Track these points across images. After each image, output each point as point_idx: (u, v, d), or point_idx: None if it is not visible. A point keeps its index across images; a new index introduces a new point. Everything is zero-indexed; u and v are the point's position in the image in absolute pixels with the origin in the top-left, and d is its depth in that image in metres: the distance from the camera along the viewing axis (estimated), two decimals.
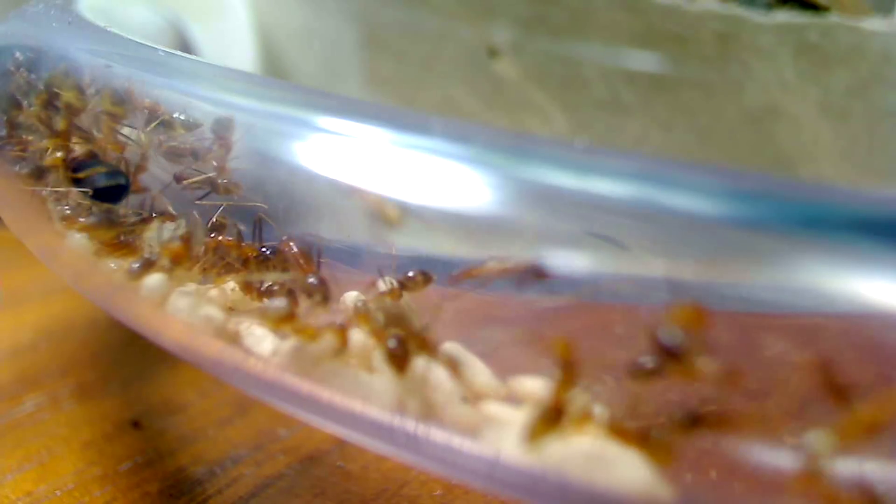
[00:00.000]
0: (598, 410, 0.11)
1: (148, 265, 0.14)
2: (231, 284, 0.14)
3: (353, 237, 0.14)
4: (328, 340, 0.13)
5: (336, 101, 0.14)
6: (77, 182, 0.15)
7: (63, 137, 0.15)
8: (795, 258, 0.10)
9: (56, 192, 0.15)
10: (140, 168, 0.15)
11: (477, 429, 0.11)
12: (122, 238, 0.14)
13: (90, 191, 0.15)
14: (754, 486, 0.11)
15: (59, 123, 0.15)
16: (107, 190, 0.15)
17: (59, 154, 0.15)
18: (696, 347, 0.11)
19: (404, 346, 0.12)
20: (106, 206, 0.14)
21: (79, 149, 0.15)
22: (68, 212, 0.14)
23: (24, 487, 0.18)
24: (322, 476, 0.19)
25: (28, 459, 0.19)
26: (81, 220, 0.14)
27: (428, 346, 0.12)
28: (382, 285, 0.14)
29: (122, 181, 0.15)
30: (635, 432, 0.11)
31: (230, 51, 0.29)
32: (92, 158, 0.15)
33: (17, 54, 0.17)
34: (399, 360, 0.12)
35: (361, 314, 0.13)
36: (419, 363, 0.12)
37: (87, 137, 0.15)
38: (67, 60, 0.16)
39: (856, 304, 0.10)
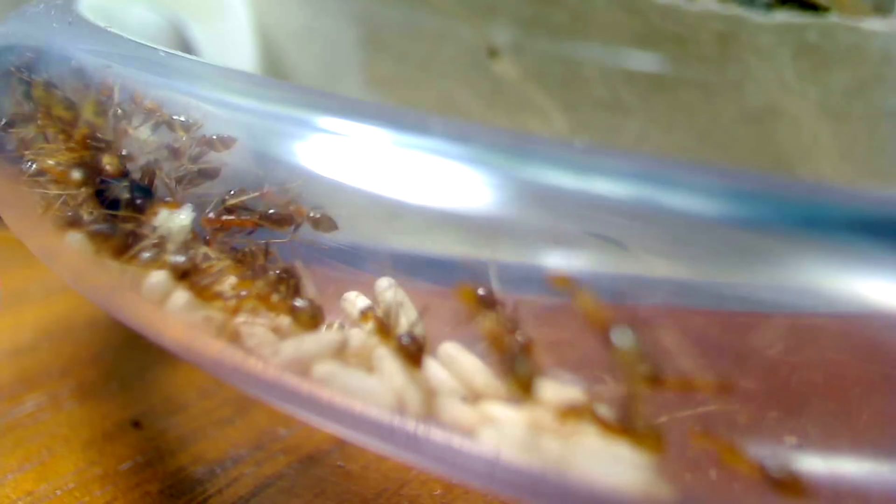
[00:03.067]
0: (603, 410, 0.11)
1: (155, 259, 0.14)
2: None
3: (352, 237, 0.14)
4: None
5: (336, 101, 0.14)
6: (99, 194, 0.15)
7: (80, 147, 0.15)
8: (795, 258, 0.10)
9: (60, 194, 0.15)
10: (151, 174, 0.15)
11: (477, 429, 0.11)
12: (130, 241, 0.14)
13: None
14: (754, 486, 0.11)
15: (76, 134, 0.15)
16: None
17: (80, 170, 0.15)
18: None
19: (418, 342, 0.12)
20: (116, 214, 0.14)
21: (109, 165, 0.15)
22: (71, 215, 0.14)
23: (25, 487, 0.18)
24: (322, 476, 0.19)
25: (29, 459, 0.19)
26: (92, 227, 0.14)
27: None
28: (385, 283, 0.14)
29: (144, 193, 0.15)
30: (622, 424, 0.11)
31: (230, 51, 0.29)
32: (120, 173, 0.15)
33: (18, 54, 0.17)
34: (413, 356, 0.12)
35: (366, 314, 0.13)
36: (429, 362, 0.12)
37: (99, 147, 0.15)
38: (68, 61, 0.16)
39: (856, 304, 0.10)
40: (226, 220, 0.14)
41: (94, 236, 0.14)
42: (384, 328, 0.13)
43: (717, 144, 0.24)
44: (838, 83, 0.23)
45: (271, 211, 0.14)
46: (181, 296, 0.13)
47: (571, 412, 0.11)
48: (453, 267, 0.13)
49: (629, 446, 0.11)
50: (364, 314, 0.13)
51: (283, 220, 0.14)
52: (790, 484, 0.10)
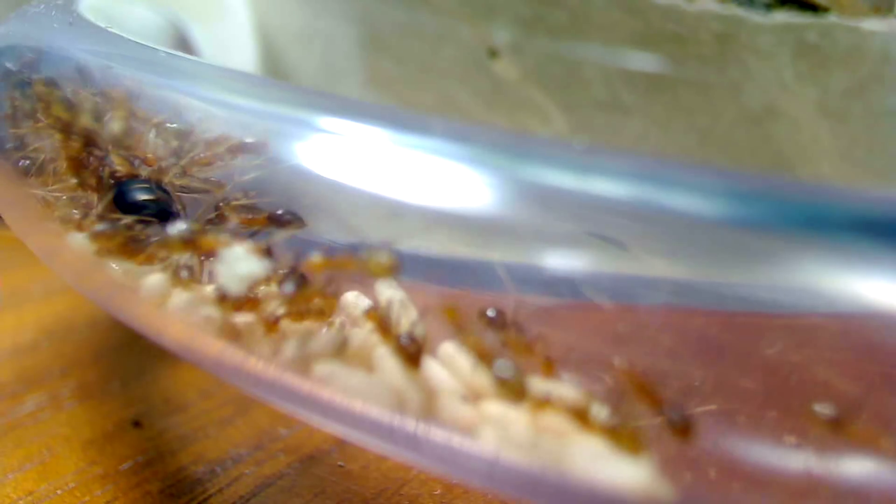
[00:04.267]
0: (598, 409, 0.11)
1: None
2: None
3: (352, 237, 0.14)
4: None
5: (336, 101, 0.14)
6: (119, 201, 0.14)
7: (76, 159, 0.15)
8: (795, 258, 0.10)
9: (62, 195, 0.15)
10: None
11: (477, 428, 0.11)
12: (132, 241, 0.14)
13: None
14: (753, 486, 0.11)
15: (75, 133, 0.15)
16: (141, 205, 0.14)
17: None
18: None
19: (417, 342, 0.12)
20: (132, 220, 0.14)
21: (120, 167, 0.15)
22: (76, 215, 0.14)
23: (26, 486, 0.18)
24: (322, 475, 0.19)
25: (29, 459, 0.19)
26: (97, 228, 0.14)
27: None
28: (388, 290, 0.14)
29: (163, 198, 0.14)
30: (601, 420, 0.11)
31: (230, 51, 0.29)
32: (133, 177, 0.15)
33: (18, 54, 0.17)
34: (413, 356, 0.12)
35: (371, 312, 0.13)
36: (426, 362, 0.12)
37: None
38: (68, 61, 0.16)
39: (856, 304, 0.10)
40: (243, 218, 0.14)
41: (99, 236, 0.14)
42: (385, 328, 0.13)
43: (717, 144, 0.24)
44: (838, 83, 0.23)
45: (280, 212, 0.14)
46: (181, 296, 0.13)
47: (547, 405, 0.11)
48: (454, 267, 0.13)
49: (606, 442, 0.11)
50: (368, 313, 0.13)
51: (291, 222, 0.14)
52: (683, 427, 0.11)
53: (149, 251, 0.14)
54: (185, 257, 0.13)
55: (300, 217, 0.14)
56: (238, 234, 0.14)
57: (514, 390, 0.11)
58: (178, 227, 0.13)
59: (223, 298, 0.13)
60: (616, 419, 0.11)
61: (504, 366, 0.12)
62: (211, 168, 0.15)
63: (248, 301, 0.13)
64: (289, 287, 0.13)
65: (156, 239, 0.13)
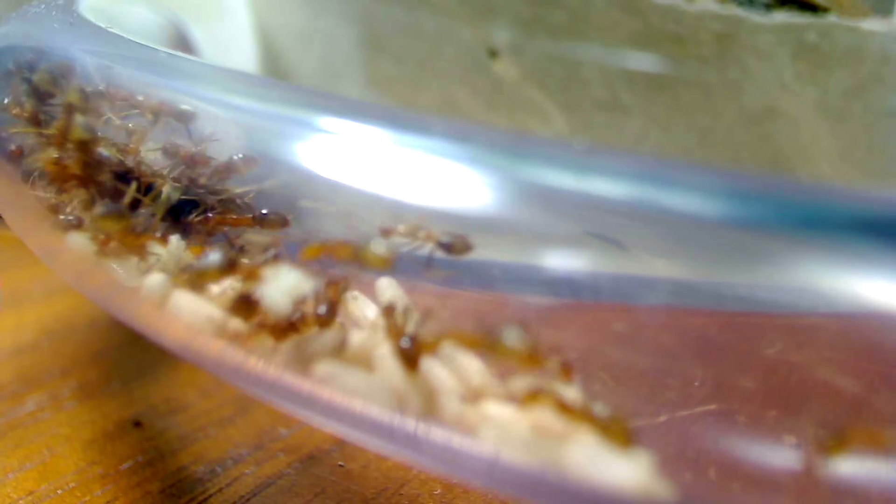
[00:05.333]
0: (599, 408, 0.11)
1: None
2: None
3: (352, 237, 0.14)
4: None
5: (336, 102, 0.14)
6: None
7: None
8: (795, 258, 0.10)
9: (62, 194, 0.15)
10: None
11: (477, 428, 0.11)
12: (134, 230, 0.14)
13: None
14: (753, 486, 0.11)
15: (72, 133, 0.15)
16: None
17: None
18: None
19: (417, 342, 0.12)
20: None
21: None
22: (77, 215, 0.14)
23: (26, 486, 0.18)
24: (323, 475, 0.19)
25: (29, 458, 0.19)
26: (98, 210, 0.14)
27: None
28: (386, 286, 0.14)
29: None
30: (589, 412, 0.11)
31: (231, 51, 0.29)
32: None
33: (19, 55, 0.17)
34: (412, 356, 0.12)
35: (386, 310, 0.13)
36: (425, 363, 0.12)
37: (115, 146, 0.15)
38: (67, 61, 0.16)
39: (855, 304, 0.10)
40: (222, 219, 0.14)
41: (101, 219, 0.14)
42: (385, 328, 0.13)
43: (716, 144, 0.24)
44: (837, 83, 0.23)
45: (264, 211, 0.14)
46: (182, 296, 0.13)
47: (534, 395, 0.11)
48: (452, 267, 0.13)
49: (594, 434, 0.11)
50: (385, 311, 0.13)
51: (275, 222, 0.14)
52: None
53: (155, 255, 0.14)
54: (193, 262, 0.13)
55: (285, 216, 0.14)
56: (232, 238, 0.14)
57: (526, 358, 0.11)
58: (214, 258, 0.13)
59: (263, 323, 0.13)
60: (608, 414, 0.11)
61: (513, 334, 0.11)
62: (224, 174, 0.15)
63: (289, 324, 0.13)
64: (323, 309, 0.13)
65: (193, 268, 0.13)
